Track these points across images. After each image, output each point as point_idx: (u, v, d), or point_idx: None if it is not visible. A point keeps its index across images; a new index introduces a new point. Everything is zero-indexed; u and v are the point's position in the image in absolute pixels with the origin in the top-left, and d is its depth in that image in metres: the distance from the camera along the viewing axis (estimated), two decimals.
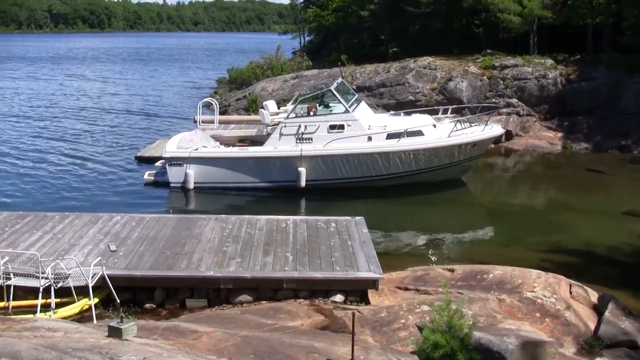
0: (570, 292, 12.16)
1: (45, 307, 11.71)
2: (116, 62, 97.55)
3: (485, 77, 33.44)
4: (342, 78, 25.24)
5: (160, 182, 22.78)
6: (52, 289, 11.70)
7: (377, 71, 36.25)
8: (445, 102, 30.92)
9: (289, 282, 12.50)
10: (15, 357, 5.71)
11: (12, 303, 12.05)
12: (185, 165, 21.95)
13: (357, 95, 24.62)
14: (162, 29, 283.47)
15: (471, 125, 22.86)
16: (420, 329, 8.89)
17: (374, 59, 40.03)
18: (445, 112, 25.46)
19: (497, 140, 26.16)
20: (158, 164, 24.06)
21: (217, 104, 27.05)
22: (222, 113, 31.28)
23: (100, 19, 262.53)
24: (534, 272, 12.78)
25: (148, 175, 23.37)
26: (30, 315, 11.08)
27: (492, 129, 23.28)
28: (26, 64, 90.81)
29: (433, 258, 15.97)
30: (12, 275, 11.96)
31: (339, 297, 12.50)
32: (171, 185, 22.23)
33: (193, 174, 21.87)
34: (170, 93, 53.80)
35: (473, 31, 41.48)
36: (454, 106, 27.18)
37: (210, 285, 12.64)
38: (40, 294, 11.66)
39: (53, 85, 60.59)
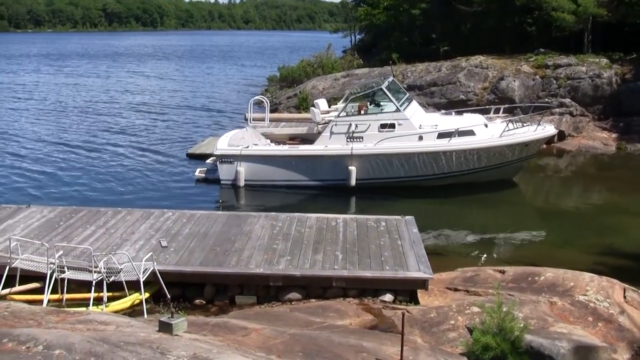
0: (624, 297, 11.93)
1: (98, 301, 11.88)
2: (169, 59, 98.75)
3: (537, 77, 32.97)
4: (393, 77, 25.12)
5: (211, 179, 22.97)
6: (105, 283, 11.87)
7: (428, 70, 36.04)
8: (497, 101, 30.60)
9: (339, 281, 12.51)
10: (69, 349, 5.81)
11: (66, 296, 12.31)
12: (235, 162, 22.08)
13: (408, 94, 24.49)
14: (214, 27, 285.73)
15: (523, 125, 22.56)
16: (470, 330, 8.83)
17: (425, 58, 39.83)
18: (497, 111, 25.19)
19: (549, 140, 25.77)
20: (209, 161, 24.27)
21: (268, 101, 27.19)
22: (272, 111, 31.45)
23: (152, 18, 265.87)
24: (587, 275, 12.58)
25: (199, 172, 23.58)
26: (83, 308, 11.25)
27: (545, 129, 22.94)
28: (85, 61, 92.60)
29: (483, 259, 15.86)
30: (66, 268, 12.18)
31: (388, 297, 12.47)
32: (222, 182, 22.38)
33: (243, 171, 21.99)
34: (222, 90, 54.23)
35: (525, 30, 40.89)
36: (506, 106, 26.86)
37: (259, 283, 12.71)
38: (92, 288, 11.85)
39: (109, 82, 61.79)
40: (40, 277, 12.37)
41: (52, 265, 12.08)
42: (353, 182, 21.73)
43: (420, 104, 26.64)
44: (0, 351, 5.73)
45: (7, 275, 12.31)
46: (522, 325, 8.54)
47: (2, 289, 12.29)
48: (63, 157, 27.86)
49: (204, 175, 23.36)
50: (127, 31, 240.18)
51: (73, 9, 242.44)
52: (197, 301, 12.73)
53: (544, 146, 25.52)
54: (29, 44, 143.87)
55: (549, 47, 36.31)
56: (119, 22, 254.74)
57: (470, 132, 21.90)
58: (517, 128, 22.30)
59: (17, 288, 12.53)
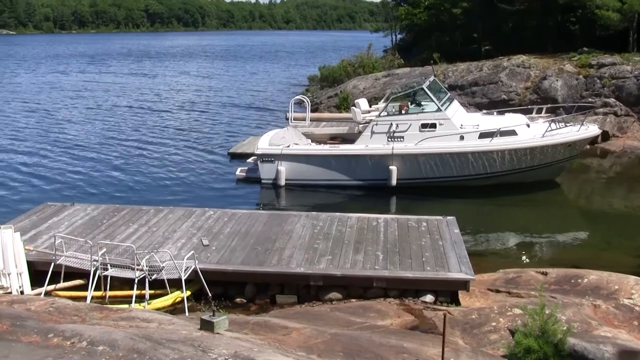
0: None
1: (140, 298, 12.04)
2: (212, 59, 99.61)
3: (581, 76, 32.53)
4: (434, 76, 24.97)
5: (252, 179, 23.06)
6: (147, 280, 12.03)
7: (470, 69, 35.81)
8: (539, 101, 30.28)
9: (379, 281, 12.49)
10: (112, 345, 5.87)
11: (109, 293, 12.48)
12: (276, 162, 22.15)
13: (449, 94, 24.34)
14: (254, 27, 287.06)
15: (566, 125, 22.27)
16: (512, 332, 8.76)
17: (467, 58, 39.56)
18: (539, 111, 24.91)
19: (593, 141, 25.38)
20: (250, 160, 24.38)
21: (309, 101, 27.21)
22: (313, 110, 31.48)
23: (194, 18, 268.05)
24: (632, 278, 12.39)
25: (240, 171, 23.69)
26: (126, 306, 11.41)
27: (588, 129, 22.62)
28: (129, 61, 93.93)
29: (525, 260, 15.72)
30: (109, 266, 12.35)
31: (429, 298, 12.42)
32: (262, 181, 22.47)
33: (284, 170, 22.05)
34: (264, 90, 54.46)
35: (569, 28, 40.44)
36: (549, 105, 26.53)
37: (300, 282, 12.74)
38: (135, 285, 11.99)
39: (154, 82, 62.81)
40: (84, 274, 12.57)
41: (95, 263, 12.25)
42: (394, 182, 21.66)
43: (461, 103, 26.45)
44: (46, 346, 5.81)
45: (52, 272, 12.52)
46: (565, 328, 8.44)
47: (47, 285, 12.50)
48: (107, 156, 28.22)
49: (244, 174, 23.46)
50: (169, 31, 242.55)
51: (116, 10, 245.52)
52: (238, 300, 12.80)
53: (588, 147, 25.19)
54: (75, 44, 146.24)
55: (593, 46, 35.79)
56: (161, 23, 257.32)
57: (512, 132, 21.69)
58: (560, 128, 22.02)
59: (62, 284, 12.74)
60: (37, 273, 12.85)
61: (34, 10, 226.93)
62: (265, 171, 22.34)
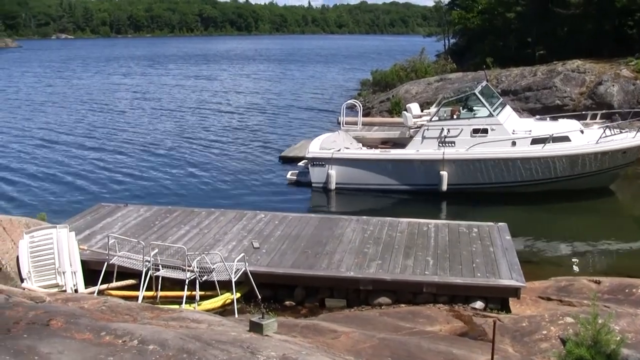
0: None
1: (190, 299, 12.14)
2: (266, 62, 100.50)
3: (638, 81, 31.85)
4: (487, 81, 24.76)
5: (303, 182, 23.16)
6: (197, 282, 12.13)
7: (523, 74, 35.39)
8: (594, 107, 29.77)
9: (429, 287, 12.41)
10: (162, 345, 5.94)
11: (160, 293, 12.64)
12: (327, 165, 22.20)
13: (501, 99, 24.12)
14: (307, 32, 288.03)
15: (621, 132, 21.84)
16: (564, 341, 8.60)
17: (520, 62, 39.05)
18: (593, 117, 24.49)
19: None
20: (301, 164, 24.42)
21: (361, 105, 27.18)
22: (365, 115, 31.39)
23: (247, 22, 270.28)
24: None
25: (291, 174, 23.82)
26: (176, 306, 11.52)
27: None
28: (186, 64, 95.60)
29: (577, 268, 15.49)
30: (160, 266, 12.51)
31: (478, 304, 12.30)
32: (313, 185, 22.54)
33: (335, 174, 22.09)
34: (316, 94, 54.67)
35: (626, 32, 39.61)
36: (604, 111, 26.10)
37: (349, 286, 12.73)
38: (186, 286, 12.12)
39: (211, 84, 64.07)
40: (136, 274, 12.74)
41: (147, 263, 12.43)
42: (444, 187, 21.53)
43: (514, 109, 26.16)
44: (98, 343, 5.91)
45: (105, 271, 12.72)
46: (618, 338, 8.28)
47: (100, 284, 12.71)
48: (161, 157, 28.68)
49: (295, 177, 23.58)
50: (222, 35, 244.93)
51: (170, 14, 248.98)
52: (287, 303, 12.85)
53: None
54: (131, 48, 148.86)
55: None
56: (214, 27, 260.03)
57: (565, 138, 21.38)
58: (615, 134, 21.61)
59: (114, 284, 12.94)
60: (91, 272, 13.09)
61: (92, 15, 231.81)
62: (316, 175, 22.40)
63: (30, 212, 18.00)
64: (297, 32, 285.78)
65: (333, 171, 22.09)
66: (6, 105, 47.70)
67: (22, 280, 12.51)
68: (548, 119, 24.35)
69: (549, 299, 12.49)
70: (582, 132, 21.81)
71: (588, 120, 23.95)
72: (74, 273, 12.82)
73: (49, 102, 49.57)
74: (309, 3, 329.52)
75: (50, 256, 12.80)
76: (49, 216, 17.05)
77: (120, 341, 6.00)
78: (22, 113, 43.62)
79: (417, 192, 22.07)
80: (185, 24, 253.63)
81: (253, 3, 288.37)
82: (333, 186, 22.16)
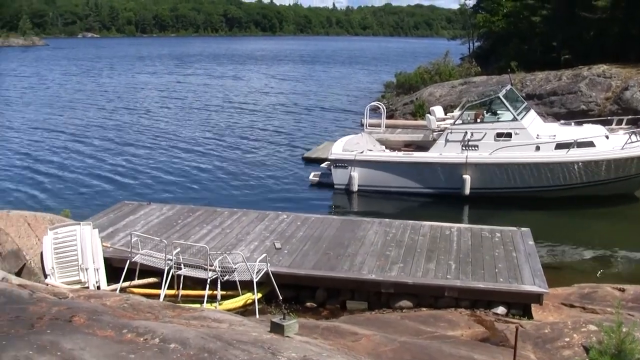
0: None
1: (211, 299, 12.18)
2: (292, 63, 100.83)
3: None
4: (511, 85, 24.64)
5: (325, 183, 23.15)
6: (219, 281, 12.17)
7: (548, 79, 35.17)
8: (620, 112, 29.48)
9: (451, 291, 12.34)
10: (183, 344, 5.94)
11: (181, 292, 12.67)
12: (349, 167, 22.17)
13: (526, 103, 23.95)
14: (331, 33, 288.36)
15: None
16: (587, 349, 8.55)
17: (545, 66, 38.81)
18: (619, 122, 24.26)
19: None
20: (323, 165, 24.44)
21: (384, 107, 27.18)
22: (389, 117, 31.40)
23: (272, 23, 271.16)
24: None
25: (313, 176, 23.82)
26: (197, 305, 11.56)
27: None
28: (212, 63, 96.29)
29: (601, 276, 15.33)
30: (182, 265, 12.56)
31: (500, 310, 12.21)
32: (335, 186, 22.52)
33: (357, 176, 22.05)
34: (339, 95, 54.73)
35: None
36: (630, 117, 25.79)
37: (371, 289, 12.69)
38: (207, 286, 12.16)
39: (237, 84, 64.59)
40: (157, 273, 12.78)
41: (169, 262, 12.47)
42: (467, 191, 21.43)
43: (538, 113, 25.99)
44: (120, 341, 5.93)
45: (127, 269, 12.79)
46: None
47: (122, 281, 12.77)
48: (184, 156, 28.83)
49: (318, 179, 23.58)
50: (247, 36, 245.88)
51: (195, 14, 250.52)
52: (308, 304, 12.83)
53: None
54: (157, 47, 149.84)
55: None
56: (239, 27, 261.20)
57: (590, 144, 21.18)
58: None
59: (136, 282, 13.00)
60: (113, 269, 13.15)
61: (117, 14, 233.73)
62: (338, 176, 22.38)
63: (54, 209, 18.13)
64: (321, 33, 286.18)
65: (355, 173, 22.06)
66: (35, 103, 48.25)
67: (45, 275, 12.60)
68: (573, 123, 24.14)
69: (571, 306, 12.38)
70: (607, 137, 21.61)
71: (613, 126, 23.73)
72: (97, 270, 12.90)
73: (76, 100, 50.05)
74: (334, 4, 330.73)
75: (74, 253, 12.88)
76: (73, 213, 17.14)
77: (141, 339, 6.01)
78: (51, 110, 44.08)
79: (439, 195, 21.98)
80: (210, 24, 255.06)
81: (278, 4, 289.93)
82: (355, 188, 22.13)
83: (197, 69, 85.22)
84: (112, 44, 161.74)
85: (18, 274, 11.82)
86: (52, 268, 12.65)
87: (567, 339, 10.27)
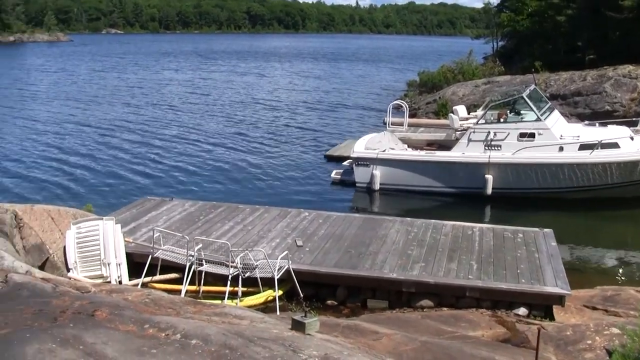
0: None
1: (233, 295, 12.21)
2: (316, 61, 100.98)
3: None
4: (535, 85, 24.47)
5: (347, 182, 23.12)
6: (240, 278, 12.19)
7: (573, 79, 34.90)
8: None
9: (472, 291, 12.29)
10: (205, 340, 5.95)
11: (202, 288, 12.72)
12: (371, 166, 22.14)
13: (549, 104, 23.78)
14: (354, 31, 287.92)
15: None
16: (609, 352, 8.49)
17: (570, 66, 38.50)
18: None
19: None
20: (345, 163, 24.41)
21: (407, 106, 27.09)
22: (411, 116, 31.27)
23: (294, 21, 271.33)
24: None
25: (335, 174, 23.80)
26: (218, 301, 11.56)
27: None
28: (236, 60, 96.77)
29: (624, 278, 15.21)
30: (204, 261, 12.61)
31: (522, 311, 12.14)
32: (357, 185, 22.49)
33: (379, 175, 22.02)
34: (362, 93, 54.70)
35: None
36: None
37: (392, 287, 12.67)
38: (228, 282, 12.19)
39: (261, 81, 65.21)
40: (179, 268, 12.84)
41: (191, 258, 12.52)
42: (489, 190, 21.32)
43: (562, 114, 25.80)
44: (142, 335, 5.95)
45: (149, 264, 12.86)
46: None
47: (144, 277, 12.84)
48: (207, 153, 28.93)
49: (339, 177, 23.56)
50: (269, 33, 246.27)
51: (219, 11, 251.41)
52: (329, 302, 12.84)
53: None
54: (180, 43, 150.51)
55: None
56: (262, 25, 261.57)
57: (614, 145, 21.00)
58: None
59: (158, 277, 13.07)
60: (135, 264, 13.23)
61: (141, 10, 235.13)
62: (360, 175, 22.35)
63: (77, 203, 18.24)
64: (345, 31, 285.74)
65: (377, 171, 22.03)
66: (60, 98, 48.67)
67: (68, 269, 12.70)
68: (597, 124, 23.92)
69: (594, 308, 12.29)
70: (632, 138, 21.41)
71: (639, 127, 23.50)
72: (119, 265, 12.98)
73: (101, 95, 50.44)
74: (357, 2, 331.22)
75: (96, 247, 12.97)
76: (96, 208, 17.27)
77: (163, 334, 6.03)
78: (76, 105, 44.44)
79: (461, 195, 21.89)
80: (233, 21, 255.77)
81: (301, 1, 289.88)
82: (377, 186, 22.09)
83: (220, 65, 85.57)
84: (136, 40, 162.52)
85: (41, 267, 11.93)
86: (75, 262, 12.74)
87: (589, 342, 10.19)
